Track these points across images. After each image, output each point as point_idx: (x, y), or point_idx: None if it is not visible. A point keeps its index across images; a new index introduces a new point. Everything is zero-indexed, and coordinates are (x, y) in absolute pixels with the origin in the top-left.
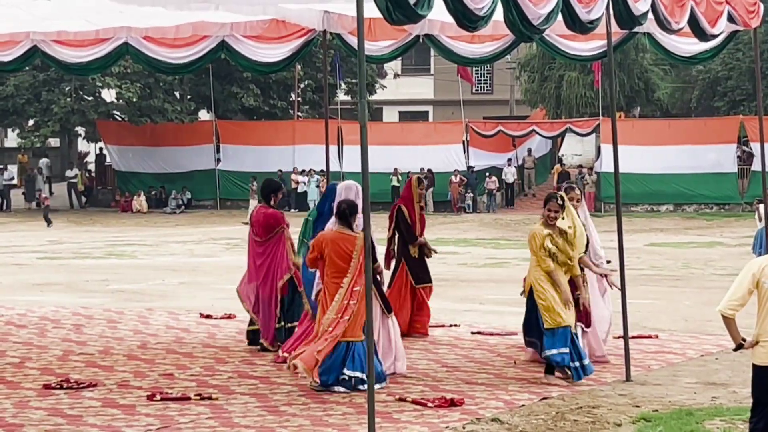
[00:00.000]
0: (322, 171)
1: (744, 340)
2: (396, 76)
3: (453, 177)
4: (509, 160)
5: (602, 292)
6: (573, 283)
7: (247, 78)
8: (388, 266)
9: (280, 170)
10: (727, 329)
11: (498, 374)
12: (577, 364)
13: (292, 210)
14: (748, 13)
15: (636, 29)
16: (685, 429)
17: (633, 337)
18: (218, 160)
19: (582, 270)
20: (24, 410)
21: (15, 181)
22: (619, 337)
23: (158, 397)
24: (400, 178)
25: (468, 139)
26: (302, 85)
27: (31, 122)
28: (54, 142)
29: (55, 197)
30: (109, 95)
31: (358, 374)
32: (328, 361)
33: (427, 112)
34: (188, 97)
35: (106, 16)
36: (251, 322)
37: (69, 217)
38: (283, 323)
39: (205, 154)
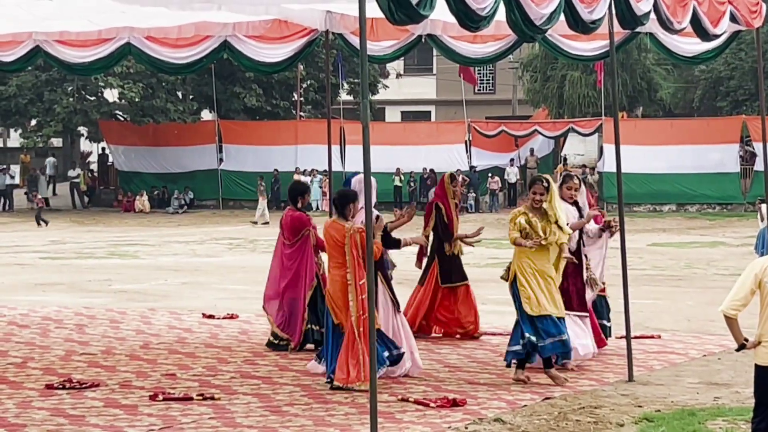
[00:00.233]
0: (324, 171)
1: (746, 340)
2: (398, 76)
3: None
4: (512, 160)
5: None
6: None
7: (249, 78)
8: (420, 264)
9: (276, 170)
10: (729, 329)
11: (500, 374)
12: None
13: None
14: (751, 13)
15: (638, 29)
16: (688, 429)
17: (635, 337)
18: (221, 160)
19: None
20: (26, 410)
21: (17, 181)
22: (621, 337)
23: (160, 397)
24: (402, 178)
25: (470, 139)
26: (305, 85)
27: (33, 122)
28: (56, 142)
29: (57, 197)
30: (111, 95)
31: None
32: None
33: (429, 112)
34: (191, 97)
35: (108, 16)
36: (276, 336)
37: (71, 217)
38: (310, 325)
39: (208, 154)
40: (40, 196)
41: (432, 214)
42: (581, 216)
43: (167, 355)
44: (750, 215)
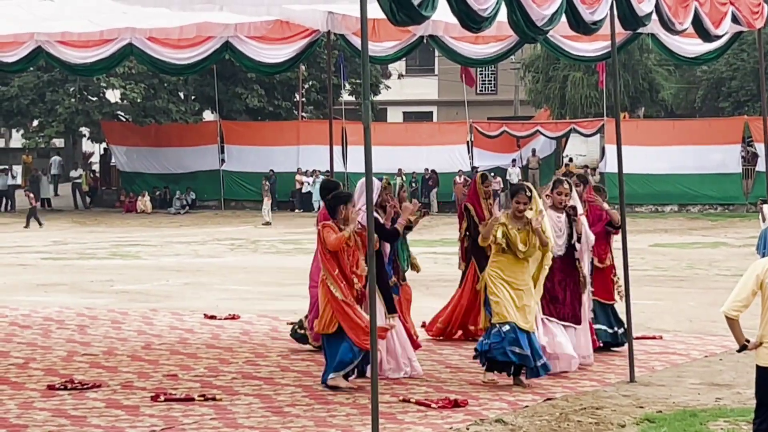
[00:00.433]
0: (326, 172)
1: (748, 341)
2: (400, 76)
3: (457, 177)
4: (513, 160)
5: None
6: (552, 280)
7: (251, 78)
8: (463, 267)
9: (271, 170)
10: (730, 330)
11: (502, 375)
12: (535, 363)
13: (297, 210)
14: (752, 14)
15: (640, 30)
16: (689, 430)
17: (637, 338)
18: (222, 161)
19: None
20: (28, 411)
21: (19, 182)
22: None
23: (162, 397)
24: (404, 178)
25: (472, 139)
26: (306, 86)
27: (35, 123)
28: (58, 142)
29: (60, 197)
30: (113, 96)
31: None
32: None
33: (431, 113)
34: (192, 97)
35: (110, 16)
36: (301, 325)
37: (73, 217)
38: None
39: (210, 154)
40: (32, 195)
41: (464, 216)
42: (570, 223)
43: (169, 355)
44: (752, 216)
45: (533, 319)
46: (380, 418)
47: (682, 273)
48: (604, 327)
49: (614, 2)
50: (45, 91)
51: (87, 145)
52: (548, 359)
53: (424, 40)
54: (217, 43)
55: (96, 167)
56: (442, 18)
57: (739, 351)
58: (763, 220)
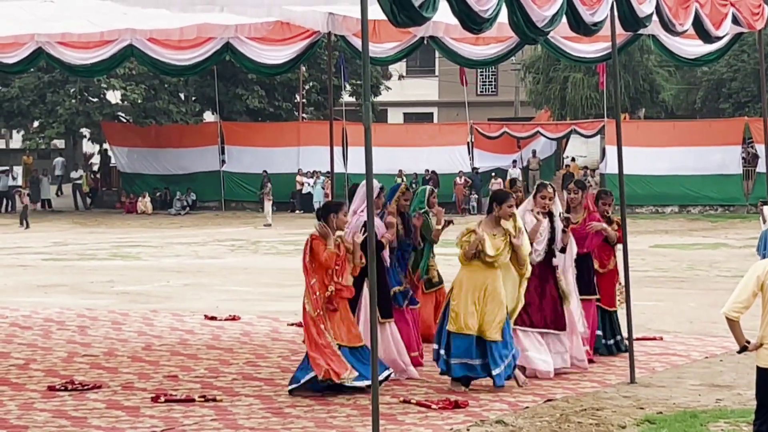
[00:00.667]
0: (327, 173)
1: (748, 342)
2: (401, 77)
3: (457, 178)
4: (514, 161)
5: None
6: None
7: (251, 79)
8: None
9: (265, 171)
10: (731, 331)
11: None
12: (490, 372)
13: (298, 212)
14: (753, 15)
15: (640, 31)
16: (689, 431)
17: (637, 339)
18: (223, 162)
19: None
20: (28, 412)
21: (20, 183)
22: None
23: (162, 398)
24: (404, 179)
25: (473, 140)
26: (307, 87)
27: (36, 124)
28: (59, 143)
29: (61, 198)
30: (113, 97)
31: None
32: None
33: (431, 114)
34: (193, 98)
35: (110, 17)
36: None
37: (74, 218)
38: None
39: (210, 155)
40: (25, 194)
41: None
42: (553, 228)
43: (169, 356)
44: (752, 217)
45: (499, 326)
46: (381, 419)
47: (682, 274)
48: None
49: (615, 3)
50: (45, 92)
51: (87, 146)
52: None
53: (425, 41)
54: (217, 44)
55: (96, 168)
56: (443, 19)
57: (739, 352)
58: (764, 221)
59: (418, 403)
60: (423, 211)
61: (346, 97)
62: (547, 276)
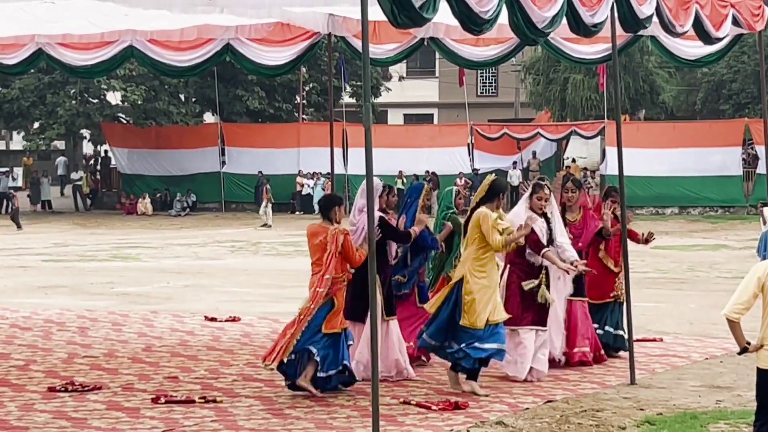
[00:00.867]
0: (327, 174)
1: (749, 343)
2: (401, 78)
3: (458, 179)
4: (514, 162)
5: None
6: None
7: (252, 81)
8: None
9: (260, 171)
10: (731, 332)
11: (502, 377)
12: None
13: (298, 213)
14: (753, 17)
15: (640, 32)
16: None
17: (637, 340)
18: (223, 163)
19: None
20: (29, 413)
21: (20, 184)
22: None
23: (163, 399)
24: (404, 180)
25: (473, 141)
26: (307, 88)
27: (36, 125)
28: (59, 144)
29: (62, 198)
30: (114, 98)
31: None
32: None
33: (432, 115)
34: (193, 99)
35: (110, 18)
36: None
37: (74, 219)
38: None
39: (210, 156)
40: (17, 196)
41: None
42: (550, 229)
43: (169, 357)
44: (752, 218)
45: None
46: (381, 420)
47: (682, 275)
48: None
49: (615, 4)
50: (46, 93)
51: (87, 147)
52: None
53: (425, 43)
54: (217, 45)
55: (90, 164)
56: (443, 20)
57: (739, 353)
58: (764, 222)
59: (418, 404)
60: (451, 212)
61: (347, 98)
62: (534, 273)
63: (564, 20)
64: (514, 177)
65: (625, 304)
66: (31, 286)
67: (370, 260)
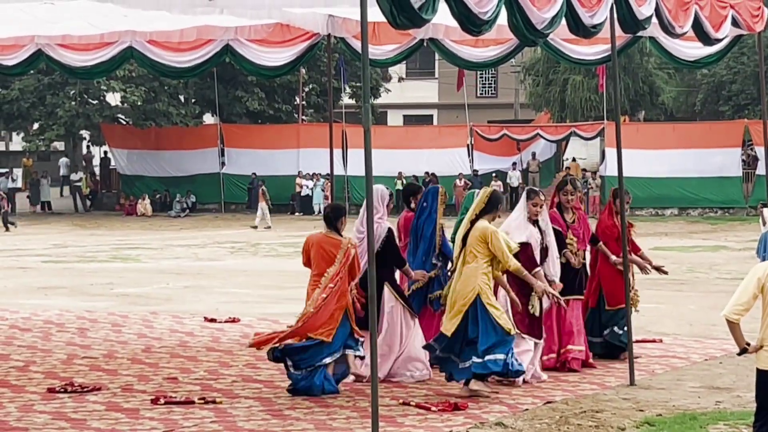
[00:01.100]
0: (327, 175)
1: (748, 344)
2: (401, 79)
3: (457, 180)
4: (514, 163)
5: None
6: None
7: (251, 82)
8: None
9: (254, 173)
10: (731, 333)
11: (501, 378)
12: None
13: (297, 214)
14: (753, 18)
15: (640, 33)
16: None
17: (637, 341)
18: (223, 164)
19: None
20: (28, 414)
21: (19, 185)
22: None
23: (162, 400)
24: (404, 181)
25: (472, 142)
26: (307, 89)
27: (35, 126)
28: (59, 145)
29: (59, 200)
30: (113, 99)
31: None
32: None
33: (431, 116)
34: (193, 100)
35: (110, 19)
36: None
37: (73, 220)
38: None
39: (210, 157)
40: (5, 197)
41: None
42: (542, 236)
43: (169, 358)
44: (752, 219)
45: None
46: (380, 421)
47: (682, 276)
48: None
49: (614, 5)
50: (45, 94)
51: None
52: None
53: (425, 44)
54: (217, 46)
55: (96, 170)
56: (443, 21)
57: (739, 354)
58: (764, 223)
59: (418, 405)
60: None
61: (346, 99)
62: (527, 285)
63: (563, 21)
64: (514, 178)
65: (625, 305)
66: (30, 287)
67: (369, 262)
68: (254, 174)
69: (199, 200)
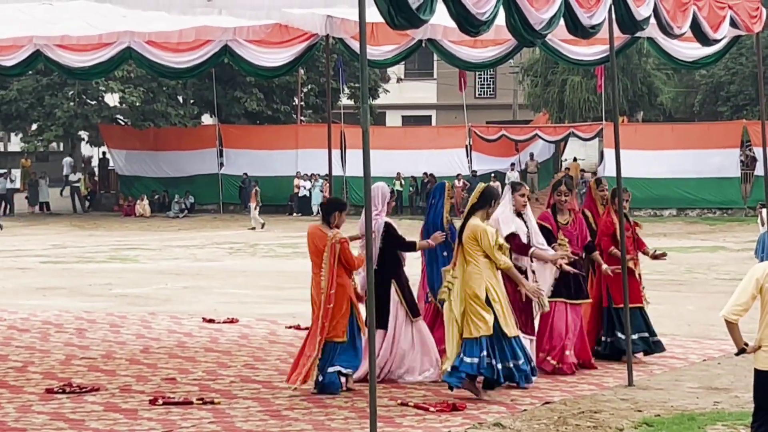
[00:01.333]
0: (325, 175)
1: (746, 344)
2: (399, 80)
3: (456, 181)
4: (512, 164)
5: None
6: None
7: (250, 82)
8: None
9: (245, 173)
10: (729, 334)
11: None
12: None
13: (295, 214)
14: (751, 18)
15: (638, 34)
16: None
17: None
18: (221, 165)
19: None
20: (26, 414)
21: (18, 186)
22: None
23: (160, 401)
24: (403, 182)
25: (471, 143)
26: (305, 90)
27: (34, 126)
28: (57, 146)
29: (58, 201)
30: (112, 99)
31: (338, 368)
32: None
33: (430, 117)
34: (191, 101)
35: (108, 20)
36: None
37: (72, 221)
38: None
39: (208, 158)
40: None
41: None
42: (527, 228)
43: (167, 359)
44: (750, 220)
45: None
46: (378, 421)
47: (680, 277)
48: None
49: (612, 6)
50: (44, 95)
51: (86, 149)
52: None
53: (423, 44)
54: (216, 46)
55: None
56: (441, 22)
57: (737, 354)
58: (762, 224)
59: (416, 406)
60: None
61: (345, 100)
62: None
63: (561, 22)
64: (512, 179)
65: (625, 305)
66: (29, 288)
67: (367, 262)
68: (245, 174)
69: (197, 201)
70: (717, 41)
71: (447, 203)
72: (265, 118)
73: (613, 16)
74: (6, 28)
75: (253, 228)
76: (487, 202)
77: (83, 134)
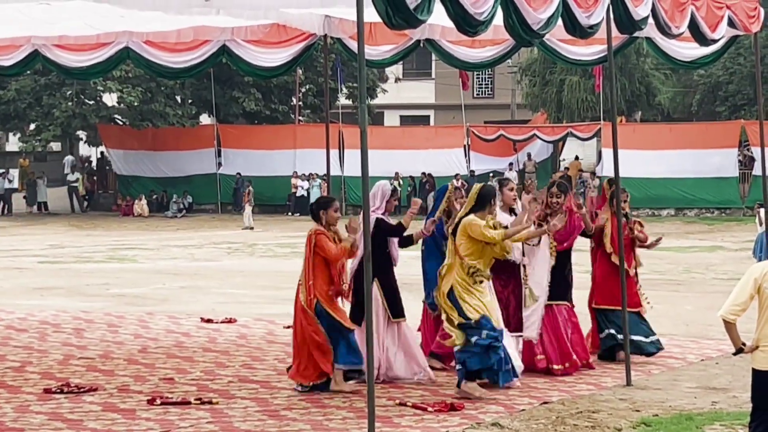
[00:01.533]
0: (323, 175)
1: (744, 344)
2: (397, 80)
3: (454, 181)
4: (510, 164)
5: None
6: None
7: (248, 82)
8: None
9: (239, 173)
10: (727, 334)
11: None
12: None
13: (293, 214)
14: (749, 18)
15: (636, 34)
16: None
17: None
18: (219, 165)
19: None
20: (24, 415)
21: (16, 186)
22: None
23: (158, 401)
24: (401, 182)
25: (469, 143)
26: (303, 90)
27: (32, 126)
28: (55, 146)
29: (56, 201)
30: (110, 99)
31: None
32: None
33: (428, 116)
34: (189, 101)
35: (107, 20)
36: None
37: (70, 221)
38: None
39: (206, 158)
40: None
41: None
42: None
43: (165, 359)
44: (748, 220)
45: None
46: (377, 421)
47: (678, 277)
48: (640, 337)
49: (610, 6)
50: (42, 95)
51: (84, 149)
52: None
53: (421, 44)
54: (214, 46)
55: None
56: (439, 22)
57: (735, 354)
58: (760, 224)
59: (414, 406)
60: None
61: (343, 100)
62: (509, 276)
63: (559, 21)
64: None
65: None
66: (27, 288)
67: (365, 262)
68: (239, 174)
69: (195, 201)
70: (715, 41)
71: (443, 204)
72: (263, 118)
73: (611, 15)
74: (4, 28)
75: (251, 228)
76: (485, 202)
77: (81, 134)
